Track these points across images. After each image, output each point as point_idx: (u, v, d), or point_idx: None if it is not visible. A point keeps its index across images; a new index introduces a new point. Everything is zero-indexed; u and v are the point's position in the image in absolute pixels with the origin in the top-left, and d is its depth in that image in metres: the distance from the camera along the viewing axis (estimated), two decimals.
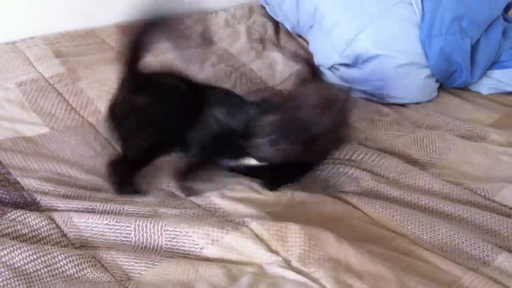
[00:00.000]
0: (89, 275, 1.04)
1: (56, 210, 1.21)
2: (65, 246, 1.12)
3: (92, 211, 1.20)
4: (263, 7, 2.39)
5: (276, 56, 2.03)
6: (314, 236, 1.11)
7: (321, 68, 1.96)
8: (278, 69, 1.96)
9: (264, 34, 2.21)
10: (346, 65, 1.87)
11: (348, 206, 1.29)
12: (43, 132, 1.53)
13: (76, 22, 2.17)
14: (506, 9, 1.94)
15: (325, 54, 1.92)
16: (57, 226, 1.16)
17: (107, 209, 1.21)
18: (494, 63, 1.86)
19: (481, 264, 1.10)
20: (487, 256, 1.12)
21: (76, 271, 1.04)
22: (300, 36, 2.20)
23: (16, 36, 2.03)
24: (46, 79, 1.78)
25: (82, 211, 1.20)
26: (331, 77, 1.91)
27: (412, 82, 1.79)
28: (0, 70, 1.81)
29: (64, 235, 1.15)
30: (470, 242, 1.15)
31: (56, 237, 1.14)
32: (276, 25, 2.28)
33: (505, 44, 1.86)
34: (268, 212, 1.21)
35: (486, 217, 1.23)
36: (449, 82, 1.87)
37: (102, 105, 1.65)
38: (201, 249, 1.10)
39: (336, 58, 1.87)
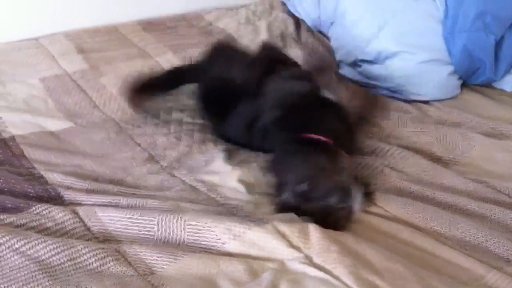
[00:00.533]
0: (113, 269, 1.04)
1: (79, 204, 1.23)
2: (88, 240, 1.13)
3: (115, 205, 1.21)
4: (283, 3, 2.39)
5: (297, 53, 2.02)
6: (332, 233, 1.11)
7: (342, 64, 1.95)
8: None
9: (285, 31, 2.20)
10: (368, 61, 1.86)
11: (369, 202, 1.28)
12: (66, 127, 1.55)
13: (98, 18, 2.20)
14: None
15: (346, 51, 1.91)
16: (81, 220, 1.17)
17: (131, 203, 1.21)
18: None
19: (505, 263, 1.08)
20: (510, 255, 1.10)
21: (100, 265, 1.05)
22: (321, 32, 2.19)
23: (39, 32, 2.06)
24: (69, 74, 1.80)
25: (105, 205, 1.21)
26: (351, 73, 1.90)
27: (435, 79, 1.77)
28: (23, 65, 1.85)
29: (88, 229, 1.16)
30: (493, 240, 1.14)
31: (80, 231, 1.15)
32: (297, 21, 2.28)
33: None
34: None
35: (510, 215, 1.21)
36: (472, 79, 1.85)
37: (125, 102, 1.66)
38: (223, 244, 1.10)
39: (358, 54, 1.86)
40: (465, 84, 1.87)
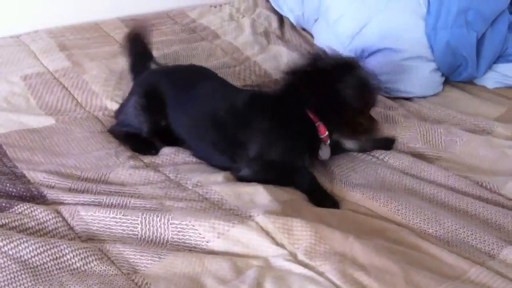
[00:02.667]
0: (96, 268, 1.04)
1: (62, 203, 1.22)
2: (72, 239, 1.12)
3: (98, 205, 1.21)
4: (267, 1, 2.39)
5: (281, 49, 2.02)
6: (320, 230, 1.11)
7: None
8: (283, 62, 1.95)
9: (268, 28, 2.20)
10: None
11: (353, 199, 1.29)
12: (48, 125, 1.53)
13: (80, 15, 2.18)
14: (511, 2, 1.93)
15: (330, 48, 1.90)
16: (64, 219, 1.16)
17: (114, 203, 1.21)
18: (500, 57, 1.84)
19: (487, 258, 1.09)
20: (492, 250, 1.11)
21: (83, 264, 1.04)
22: (304, 29, 2.19)
23: (21, 30, 2.04)
24: (51, 72, 1.78)
25: (89, 205, 1.20)
26: None
27: (418, 75, 1.78)
28: (5, 63, 1.82)
29: (71, 228, 1.15)
30: (475, 236, 1.14)
31: (63, 230, 1.14)
32: (281, 18, 2.28)
33: (510, 38, 1.84)
34: (275, 205, 1.20)
35: (492, 210, 1.22)
36: (455, 75, 1.86)
37: (107, 99, 1.65)
38: (207, 242, 1.10)
39: (342, 51, 1.86)
40: (448, 81, 1.88)
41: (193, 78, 1.51)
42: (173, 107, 1.45)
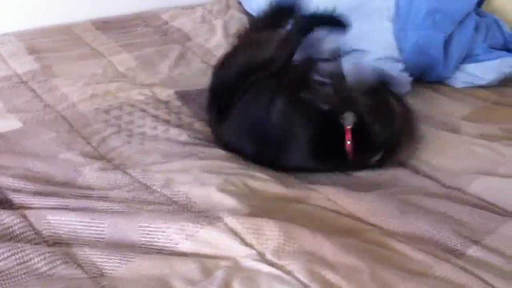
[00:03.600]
0: (63, 272, 1.03)
1: (29, 207, 1.20)
2: (38, 244, 1.10)
3: (66, 208, 1.19)
4: (239, 3, 2.40)
5: None
6: (289, 229, 1.12)
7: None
8: None
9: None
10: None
11: (323, 199, 1.30)
12: (15, 128, 1.51)
13: (51, 18, 2.16)
14: (479, 4, 1.96)
15: (300, 50, 1.92)
16: (30, 224, 1.15)
17: (81, 206, 1.20)
18: (468, 57, 1.87)
19: (453, 256, 1.11)
20: (457, 248, 1.13)
21: (49, 268, 1.03)
22: None
23: None
24: (20, 75, 1.76)
25: (56, 208, 1.19)
26: None
27: None
28: None
29: (37, 232, 1.14)
30: (443, 235, 1.16)
31: (29, 235, 1.12)
32: None
33: (478, 38, 1.88)
34: (243, 207, 1.20)
35: (458, 209, 1.24)
36: (423, 76, 1.89)
37: (76, 99, 1.64)
38: (176, 244, 1.10)
39: (312, 53, 1.87)
40: (417, 81, 1.90)
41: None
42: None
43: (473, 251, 1.12)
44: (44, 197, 1.23)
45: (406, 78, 1.85)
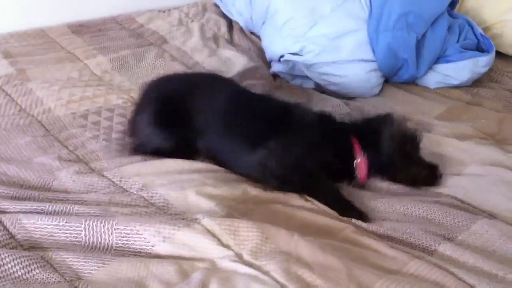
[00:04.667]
0: (38, 276, 1.02)
1: (4, 212, 1.19)
2: (13, 248, 1.10)
3: (41, 212, 1.18)
4: (216, 5, 2.41)
5: (230, 54, 2.03)
6: (266, 230, 1.13)
7: (272, 63, 1.98)
8: (232, 66, 1.97)
9: (217, 32, 2.21)
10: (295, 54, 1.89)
11: (300, 199, 1.30)
12: None
13: (26, 22, 2.13)
14: (451, 5, 2.00)
15: (274, 50, 1.93)
16: (5, 228, 1.14)
17: (57, 210, 1.19)
18: (440, 58, 1.91)
19: (425, 253, 1.13)
20: (430, 245, 1.15)
21: (25, 273, 1.03)
22: (253, 33, 2.21)
23: None
24: None
25: (31, 212, 1.18)
26: (280, 68, 1.93)
27: (357, 76, 1.83)
28: None
29: (12, 236, 1.13)
30: (415, 233, 1.18)
31: (4, 239, 1.11)
32: (230, 22, 2.29)
33: (450, 39, 1.92)
34: (220, 208, 1.21)
35: (433, 208, 1.26)
36: (397, 77, 1.92)
37: (52, 104, 1.62)
38: (153, 246, 1.10)
39: (287, 56, 1.89)
40: (390, 82, 1.93)
41: (222, 88, 1.47)
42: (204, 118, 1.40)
43: (445, 248, 1.14)
44: (19, 201, 1.22)
45: (377, 79, 1.87)
